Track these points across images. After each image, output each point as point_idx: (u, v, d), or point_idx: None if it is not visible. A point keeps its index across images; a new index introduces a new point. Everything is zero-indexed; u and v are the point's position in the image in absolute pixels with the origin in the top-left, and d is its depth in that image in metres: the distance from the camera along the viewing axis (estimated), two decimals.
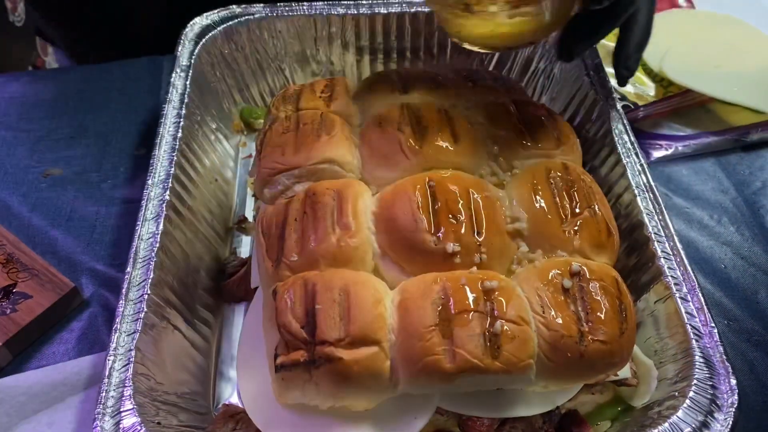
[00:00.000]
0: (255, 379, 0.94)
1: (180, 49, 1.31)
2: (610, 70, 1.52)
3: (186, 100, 1.20)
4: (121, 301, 0.92)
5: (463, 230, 0.89)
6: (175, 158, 1.10)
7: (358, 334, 0.81)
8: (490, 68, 1.48)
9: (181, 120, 1.17)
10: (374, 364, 0.81)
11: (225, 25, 1.36)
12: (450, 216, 0.90)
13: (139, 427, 0.81)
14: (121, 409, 0.82)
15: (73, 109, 1.51)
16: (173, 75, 1.25)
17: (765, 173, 1.41)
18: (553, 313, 0.83)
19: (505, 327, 0.81)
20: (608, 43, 1.61)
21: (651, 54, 1.54)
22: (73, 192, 1.34)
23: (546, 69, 1.40)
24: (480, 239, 0.89)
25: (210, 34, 1.34)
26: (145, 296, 0.93)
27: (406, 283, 0.88)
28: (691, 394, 0.85)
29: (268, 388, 0.87)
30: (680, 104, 1.49)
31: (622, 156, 1.13)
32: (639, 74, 1.54)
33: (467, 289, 0.83)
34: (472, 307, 0.81)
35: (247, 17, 1.37)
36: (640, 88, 1.51)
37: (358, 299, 0.83)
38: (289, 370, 0.81)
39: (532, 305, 0.85)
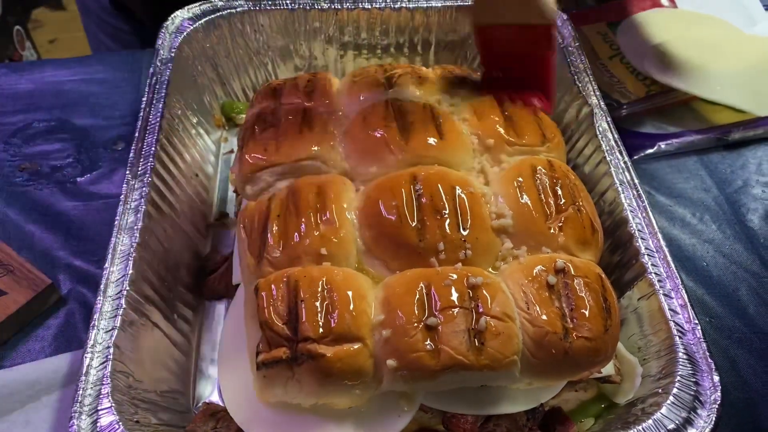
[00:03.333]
0: (236, 377, 0.93)
1: (161, 42, 1.29)
2: (593, 68, 1.53)
3: (167, 94, 1.19)
4: (99, 298, 0.90)
5: (447, 226, 0.89)
6: (155, 153, 1.09)
7: (341, 331, 0.80)
8: (475, 65, 1.47)
9: (162, 114, 1.15)
10: (357, 360, 0.80)
11: (207, 19, 1.34)
12: (435, 212, 0.90)
13: (116, 426, 0.79)
14: (99, 408, 0.81)
15: (50, 102, 1.48)
16: (153, 68, 1.23)
17: (746, 172, 1.42)
18: (537, 309, 0.83)
19: (490, 323, 0.80)
20: (592, 41, 1.62)
21: (634, 52, 1.54)
22: (50, 187, 1.32)
23: None
24: (465, 235, 0.89)
25: (192, 28, 1.33)
26: (124, 293, 0.91)
27: (390, 279, 0.87)
28: (674, 390, 0.85)
29: (250, 386, 0.86)
30: (663, 103, 1.50)
31: (606, 153, 1.13)
32: (622, 72, 1.54)
33: (452, 285, 0.83)
34: (456, 303, 0.81)
35: (229, 11, 1.36)
36: (624, 86, 1.51)
37: (341, 295, 0.82)
38: (271, 368, 0.80)
39: (517, 302, 0.85)
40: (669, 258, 0.99)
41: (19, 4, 3.19)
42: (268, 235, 0.90)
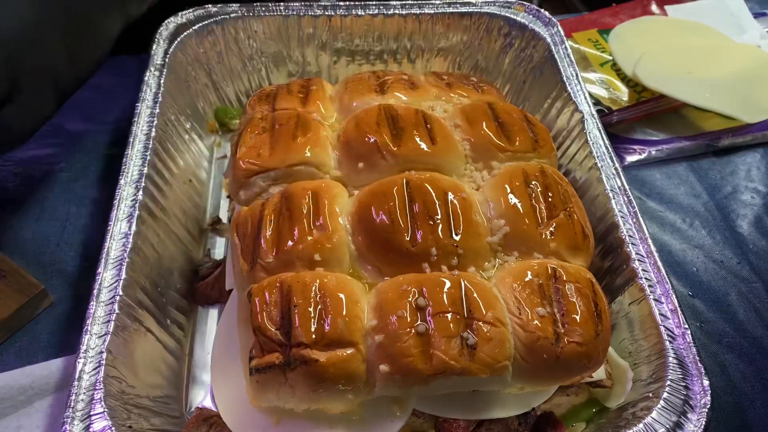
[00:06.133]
0: (229, 382, 0.93)
1: (154, 47, 1.29)
2: (585, 74, 1.54)
3: (160, 100, 1.19)
4: (91, 303, 0.90)
5: (440, 232, 0.89)
6: (148, 158, 1.09)
7: (334, 336, 0.80)
8: (467, 72, 1.48)
9: (155, 119, 1.15)
10: (350, 365, 0.80)
11: (200, 25, 1.35)
12: (427, 217, 0.90)
13: (109, 431, 0.79)
14: (91, 413, 0.81)
15: None
16: (147, 74, 1.23)
17: (735, 178, 1.43)
18: (529, 314, 0.84)
19: (482, 328, 0.81)
20: (583, 48, 1.64)
21: (625, 59, 1.56)
22: (42, 191, 1.32)
23: (522, 73, 1.41)
24: (457, 241, 0.89)
25: (185, 33, 1.33)
26: (117, 298, 0.91)
27: (383, 284, 0.87)
28: (664, 395, 0.86)
29: (243, 391, 0.86)
30: (653, 109, 1.51)
31: (597, 160, 1.14)
32: (613, 79, 1.56)
33: (444, 290, 0.83)
34: (448, 308, 0.81)
35: (223, 17, 1.36)
36: (614, 93, 1.52)
37: (334, 301, 0.82)
38: (264, 373, 0.80)
39: (509, 306, 0.85)
40: (659, 263, 0.99)
41: None
42: (262, 240, 0.90)
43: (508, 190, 0.96)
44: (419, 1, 1.41)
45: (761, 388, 1.09)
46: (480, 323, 0.81)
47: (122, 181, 1.05)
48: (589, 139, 1.17)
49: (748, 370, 1.11)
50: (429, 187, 0.93)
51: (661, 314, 0.94)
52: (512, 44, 1.41)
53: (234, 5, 1.37)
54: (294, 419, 0.87)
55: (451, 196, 0.93)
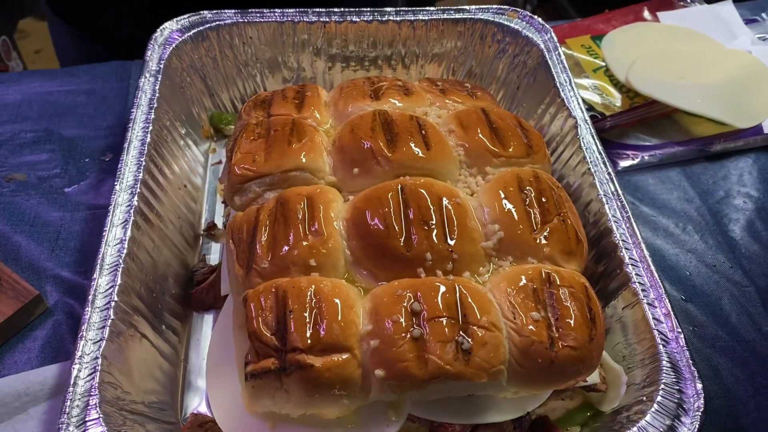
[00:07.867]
0: (225, 387, 0.93)
1: (149, 53, 1.29)
2: (578, 80, 1.55)
3: (155, 105, 1.19)
4: (86, 309, 0.90)
5: (434, 237, 0.90)
6: (143, 163, 1.09)
7: (329, 341, 0.80)
8: (461, 78, 1.49)
9: (150, 125, 1.15)
10: (346, 370, 0.80)
11: (196, 30, 1.35)
12: (422, 223, 0.90)
13: None
14: (87, 419, 0.81)
15: (37, 113, 1.48)
16: (142, 79, 1.24)
17: (728, 183, 1.44)
18: (523, 319, 0.84)
19: (477, 333, 0.81)
20: (576, 54, 1.64)
21: (617, 65, 1.57)
22: (36, 197, 1.31)
23: (516, 79, 1.42)
24: (452, 246, 0.90)
25: (180, 39, 1.33)
26: (112, 303, 0.91)
27: (378, 289, 0.88)
28: (658, 398, 0.87)
29: (238, 397, 0.86)
30: (646, 114, 1.52)
31: (591, 165, 1.14)
32: (606, 85, 1.57)
33: (439, 295, 0.83)
34: (443, 313, 0.82)
35: (218, 23, 1.37)
36: (608, 98, 1.53)
37: (330, 306, 0.83)
38: (260, 378, 0.81)
39: (504, 311, 0.85)
40: (652, 268, 1.00)
41: (5, 14, 3.17)
42: (257, 245, 0.91)
43: (503, 196, 0.97)
44: (413, 8, 1.42)
45: (754, 392, 1.10)
46: (475, 328, 0.81)
47: (117, 187, 1.05)
48: (582, 144, 1.18)
49: (741, 374, 1.12)
50: (424, 193, 0.93)
51: (654, 318, 0.95)
52: (506, 50, 1.42)
53: (229, 11, 1.38)
54: (289, 424, 0.87)
55: (445, 201, 0.93)
